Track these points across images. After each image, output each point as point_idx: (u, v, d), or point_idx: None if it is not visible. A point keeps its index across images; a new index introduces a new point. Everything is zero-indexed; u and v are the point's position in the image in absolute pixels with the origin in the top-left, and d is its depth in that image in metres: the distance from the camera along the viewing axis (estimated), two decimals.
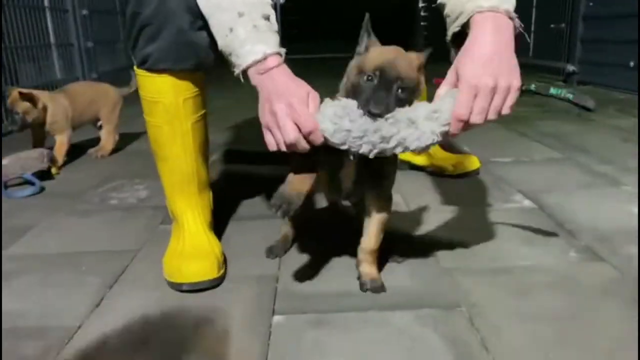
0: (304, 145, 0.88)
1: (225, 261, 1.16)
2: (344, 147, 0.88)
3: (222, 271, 1.10)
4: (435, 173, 1.77)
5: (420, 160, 1.79)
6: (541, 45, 4.67)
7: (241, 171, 1.96)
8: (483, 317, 0.94)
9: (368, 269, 1.07)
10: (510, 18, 0.89)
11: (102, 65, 3.93)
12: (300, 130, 0.87)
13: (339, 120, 0.86)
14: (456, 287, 1.05)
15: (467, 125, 0.86)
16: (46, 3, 3.26)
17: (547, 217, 1.39)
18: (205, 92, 1.17)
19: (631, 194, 1.56)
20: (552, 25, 4.39)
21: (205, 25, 0.99)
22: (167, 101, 1.09)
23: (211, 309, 1.00)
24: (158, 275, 1.12)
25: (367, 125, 0.85)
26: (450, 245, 1.24)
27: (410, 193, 1.60)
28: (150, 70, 1.07)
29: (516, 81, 0.87)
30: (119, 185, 1.81)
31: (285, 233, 1.27)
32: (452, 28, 0.95)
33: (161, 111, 1.11)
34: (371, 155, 0.88)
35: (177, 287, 1.06)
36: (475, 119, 0.85)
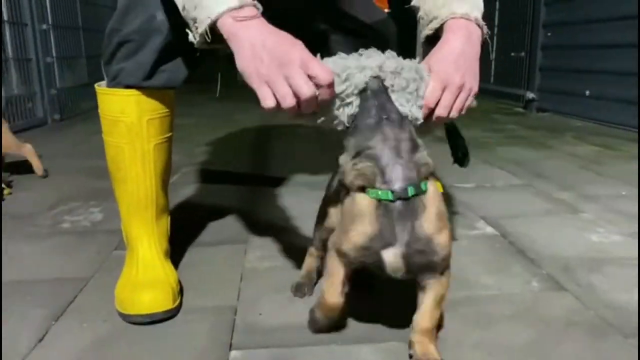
0: (312, 105, 0.78)
1: (181, 291, 1.11)
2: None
3: (177, 302, 1.05)
4: None
5: None
6: (502, 73, 4.82)
7: (200, 195, 1.91)
8: (447, 350, 0.92)
9: (425, 348, 0.87)
10: (479, 25, 0.94)
11: (62, 81, 3.81)
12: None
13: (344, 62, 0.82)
14: None
15: (429, 116, 0.89)
16: (5, 17, 3.16)
17: (509, 245, 1.39)
18: (173, 115, 1.13)
19: (590, 221, 1.58)
20: (512, 54, 4.53)
21: (181, 41, 0.92)
22: (130, 120, 1.05)
23: (164, 343, 0.95)
24: (109, 305, 1.06)
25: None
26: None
27: None
28: (119, 85, 1.03)
29: (476, 86, 0.93)
30: (73, 207, 1.73)
31: (309, 266, 1.13)
32: (426, 31, 0.99)
33: (123, 131, 1.05)
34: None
35: (129, 319, 1.00)
36: (440, 111, 0.88)
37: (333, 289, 0.90)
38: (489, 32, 0.98)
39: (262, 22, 0.79)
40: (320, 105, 0.80)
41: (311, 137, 3.09)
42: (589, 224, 1.55)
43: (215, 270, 1.25)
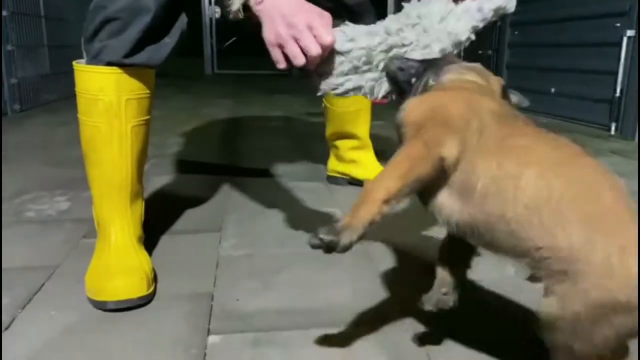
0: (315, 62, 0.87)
1: (155, 278, 1.08)
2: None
3: (151, 288, 1.02)
4: None
5: (359, 173, 1.78)
6: None
7: (173, 184, 1.86)
8: (425, 333, 0.92)
9: None
10: None
11: (23, 70, 3.68)
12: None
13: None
14: (399, 301, 1.03)
15: None
16: None
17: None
18: (152, 98, 1.11)
19: None
20: (480, 52, 4.61)
21: (167, 20, 0.99)
22: (108, 99, 1.02)
23: (139, 330, 0.92)
24: (79, 293, 1.02)
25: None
26: (389, 259, 1.22)
27: (348, 206, 1.58)
28: (100, 62, 1.01)
29: None
30: (37, 196, 1.66)
31: (441, 276, 0.87)
32: None
33: (101, 110, 1.02)
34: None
35: (101, 306, 0.97)
36: None
37: None
38: None
39: None
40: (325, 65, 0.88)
41: (280, 130, 3.08)
42: None
43: (190, 258, 1.22)
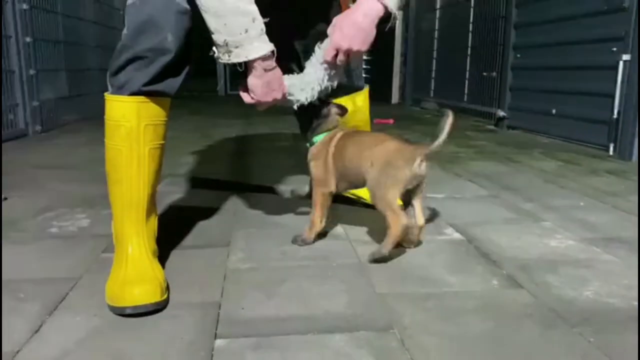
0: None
1: (168, 288, 1.18)
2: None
3: (165, 296, 1.13)
4: (371, 204, 1.86)
5: (360, 190, 1.88)
6: (475, 92, 5.00)
7: (185, 201, 1.98)
8: (414, 339, 1.01)
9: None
10: (383, 4, 1.27)
11: (44, 93, 3.85)
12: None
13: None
14: (389, 310, 1.12)
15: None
16: None
17: (474, 249, 1.50)
18: (167, 125, 1.26)
19: (549, 228, 1.70)
20: (484, 74, 4.72)
21: (183, 58, 1.20)
22: (129, 125, 1.17)
23: (154, 334, 1.02)
24: (100, 302, 1.13)
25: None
26: (384, 272, 1.32)
27: (350, 223, 1.68)
28: (123, 92, 1.17)
29: (364, 48, 1.30)
30: (59, 213, 1.79)
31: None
32: None
33: (123, 134, 1.17)
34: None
35: (120, 311, 1.08)
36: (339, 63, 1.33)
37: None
38: (395, 13, 1.30)
39: (275, 70, 1.26)
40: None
41: (288, 149, 3.19)
42: (549, 231, 1.67)
43: (199, 271, 1.33)
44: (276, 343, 1.00)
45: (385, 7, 1.27)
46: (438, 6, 5.89)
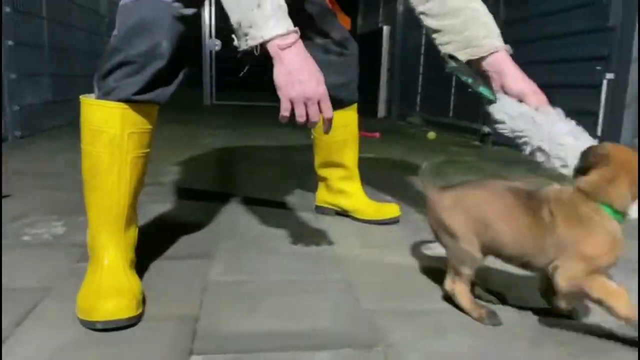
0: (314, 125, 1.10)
1: (144, 300, 1.13)
2: None
3: (140, 310, 1.08)
4: (358, 218, 1.84)
5: (346, 204, 1.85)
6: (460, 108, 5.03)
7: (167, 211, 1.93)
8: (399, 357, 0.97)
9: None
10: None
11: (26, 97, 3.77)
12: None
13: None
14: (375, 327, 1.08)
15: None
16: None
17: None
18: (153, 133, 1.20)
19: None
20: (470, 90, 4.74)
21: (177, 65, 1.12)
22: (113, 132, 1.11)
23: (125, 349, 0.97)
24: (71, 314, 1.07)
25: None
26: (371, 287, 1.28)
27: (334, 236, 1.65)
28: (111, 99, 1.10)
29: None
30: (34, 221, 1.73)
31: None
32: (462, 55, 1.36)
33: (105, 141, 1.11)
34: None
35: (91, 326, 1.02)
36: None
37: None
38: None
39: (299, 47, 1.05)
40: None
41: (275, 161, 3.16)
42: None
43: (179, 282, 1.28)
44: None
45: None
46: None
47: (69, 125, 4.16)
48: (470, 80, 1.26)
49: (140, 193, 1.23)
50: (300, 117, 1.06)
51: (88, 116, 1.13)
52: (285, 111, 1.06)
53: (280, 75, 1.04)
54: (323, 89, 1.07)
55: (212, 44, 7.56)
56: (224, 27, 7.65)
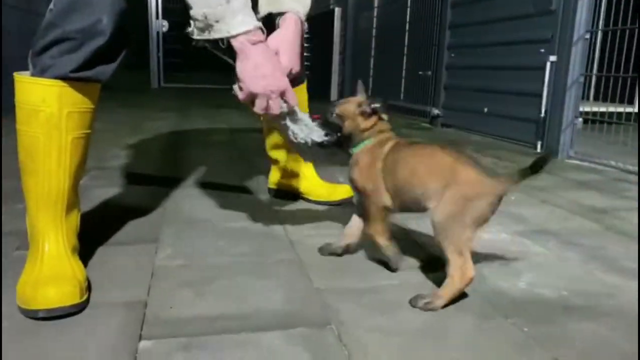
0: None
1: (89, 287, 1.09)
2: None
3: (84, 297, 1.04)
4: (310, 199, 1.84)
5: (299, 185, 1.85)
6: (410, 90, 5.09)
7: (111, 196, 1.86)
8: (350, 334, 0.98)
9: None
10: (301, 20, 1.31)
11: None
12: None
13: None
14: (326, 306, 1.09)
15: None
16: None
17: (412, 242, 1.50)
18: (94, 113, 1.14)
19: (495, 223, 1.72)
20: (420, 73, 4.81)
21: (118, 42, 1.07)
22: (50, 111, 1.04)
23: (69, 337, 0.93)
24: (10, 304, 1.02)
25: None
26: (322, 267, 1.28)
27: (287, 218, 1.64)
28: (47, 76, 1.03)
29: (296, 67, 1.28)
30: None
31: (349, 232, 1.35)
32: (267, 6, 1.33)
33: (41, 120, 1.04)
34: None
35: (32, 315, 0.98)
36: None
37: None
38: (306, 28, 1.34)
39: (265, 46, 1.10)
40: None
41: (224, 144, 3.11)
42: (492, 226, 1.69)
43: (125, 268, 1.24)
44: (207, 343, 0.93)
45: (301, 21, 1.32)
46: (376, 5, 5.95)
47: (3, 110, 3.95)
48: (219, 53, 1.16)
49: (81, 176, 1.18)
50: (261, 109, 1.12)
51: (22, 95, 1.06)
52: (245, 101, 1.12)
53: (245, 70, 1.08)
54: (285, 82, 1.13)
55: (159, 25, 7.33)
56: (173, 8, 7.41)
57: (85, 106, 1.10)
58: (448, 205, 1.10)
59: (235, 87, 1.13)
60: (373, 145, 1.26)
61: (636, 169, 2.59)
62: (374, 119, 1.27)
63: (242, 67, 1.08)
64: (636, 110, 2.86)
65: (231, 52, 1.08)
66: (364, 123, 1.26)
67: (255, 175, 2.20)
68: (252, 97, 1.11)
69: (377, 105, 1.26)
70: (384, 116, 1.28)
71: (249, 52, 1.06)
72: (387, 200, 1.22)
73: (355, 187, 1.29)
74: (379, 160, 1.23)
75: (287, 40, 1.26)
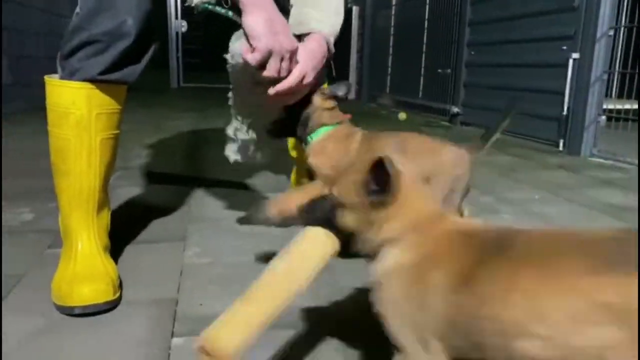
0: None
1: (121, 285, 1.12)
2: None
3: (117, 294, 1.06)
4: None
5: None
6: (430, 88, 5.06)
7: (138, 195, 1.89)
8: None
9: None
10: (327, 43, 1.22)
11: None
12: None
13: None
14: (354, 302, 1.09)
15: None
16: None
17: None
18: (122, 113, 1.16)
19: (508, 221, 1.72)
20: (439, 71, 4.78)
21: (143, 43, 1.07)
22: (80, 113, 1.06)
23: (104, 333, 0.96)
24: (46, 300, 1.05)
25: None
26: (348, 265, 1.29)
27: None
28: (75, 79, 1.06)
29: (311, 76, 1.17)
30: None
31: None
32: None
33: (71, 123, 1.07)
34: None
35: (68, 311, 1.00)
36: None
37: None
38: (333, 50, 1.26)
39: (276, 8, 1.03)
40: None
41: None
42: (508, 224, 1.69)
43: (154, 266, 1.26)
44: None
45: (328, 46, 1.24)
46: (394, 3, 5.93)
47: (34, 110, 4.02)
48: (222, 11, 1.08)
49: (111, 176, 1.20)
50: (275, 72, 1.04)
51: (53, 97, 1.09)
52: (258, 63, 1.02)
53: (258, 24, 0.99)
54: (295, 41, 1.08)
55: (179, 25, 7.40)
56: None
57: (113, 107, 1.12)
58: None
59: (244, 48, 1.03)
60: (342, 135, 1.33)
61: None
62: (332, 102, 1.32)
63: (255, 21, 0.99)
64: None
65: (235, 10, 1.02)
66: (325, 104, 1.30)
67: (276, 174, 2.21)
68: (266, 57, 1.02)
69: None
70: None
71: (261, 4, 1.00)
72: None
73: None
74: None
75: (309, 49, 1.15)
